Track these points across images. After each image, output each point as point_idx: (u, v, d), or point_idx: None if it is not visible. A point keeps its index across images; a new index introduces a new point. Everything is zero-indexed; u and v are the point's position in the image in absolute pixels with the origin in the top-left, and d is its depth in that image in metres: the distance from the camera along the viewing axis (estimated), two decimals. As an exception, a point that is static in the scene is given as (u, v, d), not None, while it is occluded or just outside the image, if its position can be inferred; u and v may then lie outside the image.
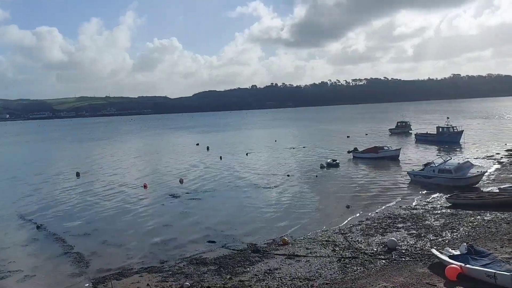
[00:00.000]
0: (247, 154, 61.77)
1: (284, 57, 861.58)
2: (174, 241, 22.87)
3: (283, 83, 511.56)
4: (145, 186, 39.63)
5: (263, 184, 38.45)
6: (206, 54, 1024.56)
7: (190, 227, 25.77)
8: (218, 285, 16.15)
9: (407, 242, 19.40)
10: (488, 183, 32.32)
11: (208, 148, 72.86)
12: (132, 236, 24.33)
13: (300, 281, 15.97)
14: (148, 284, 16.87)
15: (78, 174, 48.91)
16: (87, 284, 17.52)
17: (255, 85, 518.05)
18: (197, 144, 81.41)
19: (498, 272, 12.69)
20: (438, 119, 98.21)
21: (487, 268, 13.26)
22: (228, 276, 17.11)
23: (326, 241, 20.97)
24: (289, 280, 16.14)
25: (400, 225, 22.47)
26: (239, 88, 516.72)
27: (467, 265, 13.87)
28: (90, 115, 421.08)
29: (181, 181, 41.37)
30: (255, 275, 17.05)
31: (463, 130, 63.63)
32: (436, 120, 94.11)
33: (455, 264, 14.20)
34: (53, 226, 27.15)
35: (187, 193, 35.98)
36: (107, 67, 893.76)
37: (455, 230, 20.46)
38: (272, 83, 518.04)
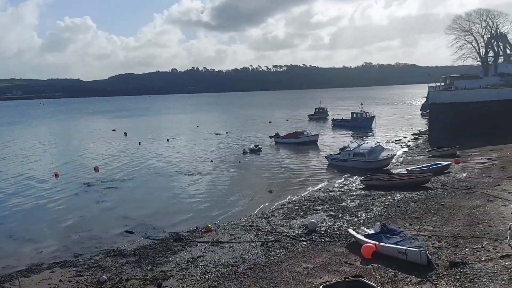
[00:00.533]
0: (168, 140, 60.26)
1: (205, 41, 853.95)
2: (89, 233, 21.55)
3: (205, 67, 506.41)
4: (56, 175, 36.96)
5: (185, 171, 37.72)
6: (122, 35, 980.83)
7: (107, 217, 24.51)
8: (138, 277, 15.47)
9: (326, 224, 20.10)
10: (397, 165, 34.68)
11: (125, 134, 69.95)
12: (42, 230, 22.57)
13: (224, 268, 15.83)
14: (60, 280, 15.69)
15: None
16: (-11, 285, 15.88)
17: (175, 69, 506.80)
18: (114, 130, 77.89)
19: (408, 248, 13.53)
20: (353, 105, 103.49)
21: (399, 245, 14.10)
22: (148, 267, 16.47)
23: (249, 226, 21.05)
24: (213, 268, 15.93)
25: (319, 207, 23.24)
26: (158, 71, 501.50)
27: (381, 243, 14.64)
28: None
29: (96, 169, 39.20)
30: (178, 264, 16.60)
31: (374, 116, 67.73)
32: (350, 107, 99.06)
33: (370, 242, 14.92)
34: None
35: (103, 181, 34.18)
36: (12, 46, 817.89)
37: (369, 210, 21.60)
38: (193, 67, 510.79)
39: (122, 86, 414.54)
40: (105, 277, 15.52)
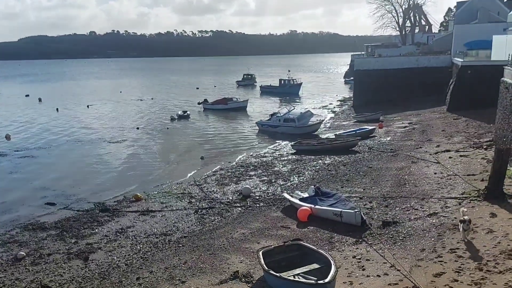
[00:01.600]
0: (88, 107, 56.51)
1: (125, 2, 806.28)
2: (2, 206, 19.56)
3: (126, 31, 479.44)
4: (7, 138, 33.18)
5: (109, 138, 35.59)
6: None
7: (23, 188, 22.43)
8: (61, 251, 14.26)
9: (260, 189, 19.98)
10: (325, 130, 35.51)
11: (40, 100, 64.59)
12: None
13: (156, 237, 15.10)
14: (-31, 260, 14.01)
15: None
16: None
17: (94, 32, 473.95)
18: (27, 96, 71.70)
19: (343, 210, 13.76)
20: (279, 72, 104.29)
21: (334, 208, 14.30)
22: (73, 240, 15.26)
23: (181, 193, 20.34)
24: (144, 238, 15.13)
25: (252, 173, 23.06)
26: (75, 34, 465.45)
27: (316, 206, 14.77)
28: None
29: (7, 137, 35.77)
30: (105, 235, 15.57)
31: (301, 83, 68.76)
32: (277, 74, 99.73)
33: (306, 206, 15.00)
34: None
35: (17, 150, 31.27)
36: None
37: (301, 174, 21.82)
38: (113, 30, 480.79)
39: (35, 49, 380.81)
40: (23, 253, 14.12)
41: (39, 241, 15.34)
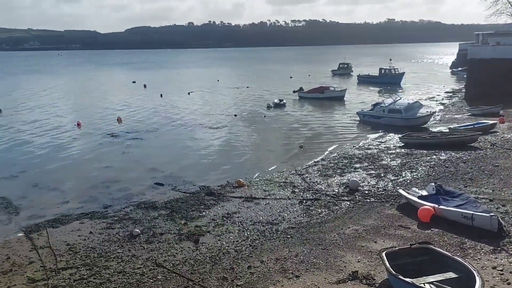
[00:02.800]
0: (189, 93, 58.78)
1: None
2: (117, 184, 20.66)
3: (221, 22, 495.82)
4: (78, 125, 36.15)
5: (209, 124, 36.44)
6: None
7: (134, 168, 23.53)
8: (172, 232, 14.50)
9: (369, 183, 18.75)
10: (435, 123, 32.76)
11: (145, 86, 68.65)
12: (67, 179, 21.71)
13: (263, 225, 14.73)
14: (91, 232, 14.83)
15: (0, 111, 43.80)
16: (19, 234, 15.14)
17: (192, 23, 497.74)
18: (134, 82, 76.63)
19: (476, 213, 12.14)
20: (377, 61, 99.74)
21: (463, 209, 12.71)
22: (182, 221, 15.48)
23: (283, 182, 19.84)
24: (251, 225, 14.84)
25: (357, 165, 21.83)
26: (175, 24, 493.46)
27: (441, 206, 13.27)
28: (10, 48, 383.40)
29: (119, 120, 38.24)
30: (213, 219, 15.57)
31: (404, 72, 64.78)
32: (375, 63, 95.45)
33: (428, 205, 13.56)
34: (-29, 168, 23.66)
35: (127, 132, 33.23)
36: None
37: (414, 170, 20.11)
38: (209, 21, 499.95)
39: (139, 39, 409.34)
40: (138, 230, 14.59)
41: (151, 220, 15.80)
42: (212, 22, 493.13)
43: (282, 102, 45.97)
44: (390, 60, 73.09)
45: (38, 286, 10.99)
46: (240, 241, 13.46)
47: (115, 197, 18.81)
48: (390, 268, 9.30)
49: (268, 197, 17.91)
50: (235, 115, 40.26)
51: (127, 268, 11.93)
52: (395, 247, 10.61)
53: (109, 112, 43.93)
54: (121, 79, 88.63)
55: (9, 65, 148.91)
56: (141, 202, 18.01)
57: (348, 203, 16.49)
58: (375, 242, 12.23)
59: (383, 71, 67.22)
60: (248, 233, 14.12)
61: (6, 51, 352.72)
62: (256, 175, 21.52)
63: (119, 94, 59.83)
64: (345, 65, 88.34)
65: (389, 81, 63.34)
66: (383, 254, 9.95)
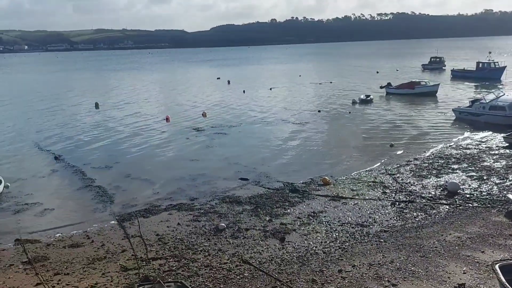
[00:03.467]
0: (271, 89, 58.75)
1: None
2: (202, 177, 20.94)
3: (304, 17, 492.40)
4: (167, 119, 37.59)
5: (292, 119, 35.93)
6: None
7: (219, 162, 23.77)
8: (257, 228, 14.24)
9: (470, 186, 17.03)
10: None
11: (229, 82, 69.88)
12: (157, 171, 22.48)
13: (352, 227, 13.92)
14: (178, 223, 15.10)
15: (97, 105, 47.03)
16: (112, 221, 15.87)
17: (275, 19, 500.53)
18: (218, 78, 78.39)
19: None
20: (473, 55, 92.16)
21: None
22: (267, 218, 15.17)
23: (373, 182, 18.77)
24: (339, 226, 14.10)
25: (455, 166, 20.02)
26: (258, 22, 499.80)
27: None
28: (108, 47, 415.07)
29: (204, 115, 39.15)
30: (298, 217, 15.06)
31: (505, 66, 58.97)
32: (471, 57, 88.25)
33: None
34: (72, 157, 25.46)
35: (212, 127, 33.84)
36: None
37: (523, 174, 17.92)
38: (292, 17, 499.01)
39: (223, 37, 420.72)
40: (223, 224, 14.55)
41: (236, 215, 15.71)
42: (294, 18, 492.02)
43: (368, 98, 44.06)
44: (490, 53, 66.85)
45: (130, 275, 11.27)
46: (328, 242, 12.80)
47: (201, 190, 19.06)
48: (507, 284, 8.07)
49: (357, 197, 17.00)
50: (319, 111, 39.32)
51: (214, 262, 11.85)
52: (510, 259, 9.25)
53: (195, 107, 45.26)
54: (206, 75, 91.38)
55: (107, 63, 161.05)
56: (226, 196, 18.04)
57: (447, 207, 15.04)
58: (483, 252, 10.90)
59: (481, 65, 61.74)
60: (337, 234, 13.41)
61: (104, 50, 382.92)
62: (342, 174, 20.61)
63: (204, 90, 61.58)
64: (437, 59, 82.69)
65: (487, 76, 58.00)
66: (497, 266, 8.69)
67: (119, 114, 41.59)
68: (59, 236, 14.60)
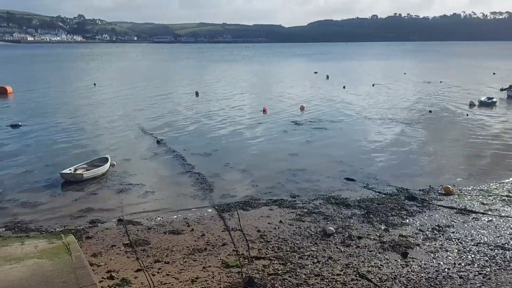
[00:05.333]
0: (373, 85, 55.47)
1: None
2: (304, 173, 19.51)
3: (408, 14, 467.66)
4: (264, 111, 36.80)
5: (400, 118, 32.99)
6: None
7: (320, 159, 22.13)
8: (372, 237, 12.45)
9: None
10: None
11: (327, 77, 67.61)
12: (255, 162, 21.53)
13: (491, 249, 11.52)
14: (281, 221, 13.84)
15: (197, 94, 48.00)
16: (210, 210, 15.12)
17: (376, 15, 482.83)
18: (315, 72, 76.47)
19: None
20: None
21: None
22: (382, 227, 13.28)
23: (507, 196, 15.89)
24: (474, 245, 11.77)
25: None
26: (357, 18, 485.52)
27: None
28: (208, 41, 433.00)
29: (302, 109, 37.73)
30: (420, 230, 12.96)
31: None
32: None
33: None
34: (173, 142, 25.55)
35: (311, 121, 32.25)
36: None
37: None
38: (395, 13, 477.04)
39: (320, 33, 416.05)
40: (332, 228, 12.97)
41: (344, 219, 14.04)
42: (397, 15, 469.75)
43: (491, 101, 39.23)
44: None
45: (232, 273, 10.21)
46: (463, 265, 10.62)
47: (303, 187, 17.64)
48: None
49: (490, 212, 14.34)
50: (430, 111, 35.74)
51: (325, 271, 10.34)
52: None
53: (292, 100, 43.97)
54: (303, 69, 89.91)
55: (207, 55, 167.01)
56: (331, 196, 16.42)
57: None
58: None
59: None
60: (473, 256, 11.15)
61: (204, 43, 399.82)
62: (466, 183, 17.86)
63: (301, 84, 60.12)
64: None
65: None
66: None
67: (218, 104, 41.76)
68: (160, 220, 14.15)
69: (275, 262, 10.83)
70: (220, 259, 11.03)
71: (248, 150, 24.36)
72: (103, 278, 9.78)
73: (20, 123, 30.34)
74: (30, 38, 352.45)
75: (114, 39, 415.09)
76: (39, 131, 28.66)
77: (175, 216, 14.49)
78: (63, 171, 18.46)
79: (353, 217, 14.21)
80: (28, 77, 70.09)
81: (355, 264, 10.71)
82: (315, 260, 10.96)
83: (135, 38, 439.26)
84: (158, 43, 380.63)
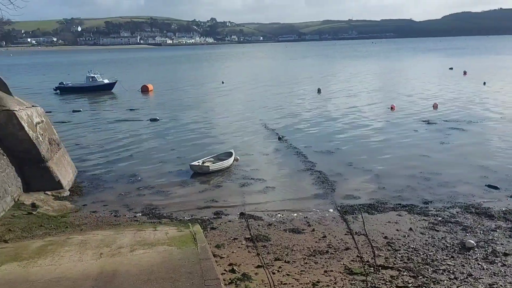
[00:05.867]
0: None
1: None
2: (438, 177, 17.70)
3: None
4: (392, 108, 34.70)
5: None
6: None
7: (457, 162, 19.92)
8: (524, 257, 10.59)
9: None
10: None
11: (465, 73, 61.38)
12: (383, 163, 20.18)
13: None
14: (411, 228, 12.64)
15: (319, 90, 47.44)
16: (332, 210, 14.51)
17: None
18: (451, 68, 70.12)
19: None
20: None
21: None
22: (539, 246, 11.26)
23: None
24: None
25: None
26: (500, 8, 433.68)
27: None
28: (332, 38, 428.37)
29: (434, 106, 34.71)
30: None
31: None
32: None
33: None
34: (294, 139, 25.38)
35: (445, 120, 29.45)
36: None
37: None
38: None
39: (456, 26, 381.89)
40: (472, 241, 11.40)
41: (487, 231, 12.28)
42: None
43: None
44: None
45: (356, 281, 9.50)
46: None
47: (437, 193, 15.97)
48: None
49: None
50: None
51: (464, 291, 9.04)
52: None
53: (423, 97, 40.74)
54: (436, 65, 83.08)
55: (331, 52, 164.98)
56: (470, 205, 14.57)
57: None
58: None
59: None
60: None
61: (327, 40, 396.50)
62: None
63: (434, 80, 55.48)
64: None
65: None
66: None
67: (341, 100, 40.69)
68: (280, 217, 14.00)
69: (405, 273, 9.82)
70: (343, 264, 10.39)
71: (374, 149, 23.05)
72: (225, 270, 9.89)
73: (157, 118, 33.21)
74: (169, 41, 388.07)
75: (241, 39, 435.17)
76: (173, 125, 30.99)
77: (295, 214, 14.21)
78: (192, 163, 19.53)
79: (497, 230, 12.35)
80: (166, 76, 76.98)
81: (501, 285, 9.19)
82: (452, 276, 9.68)
83: (261, 38, 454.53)
84: (282, 42, 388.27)
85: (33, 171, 15.96)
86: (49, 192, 16.13)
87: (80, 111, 38.64)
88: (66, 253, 9.83)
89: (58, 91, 52.64)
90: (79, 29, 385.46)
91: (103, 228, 12.80)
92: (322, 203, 15.31)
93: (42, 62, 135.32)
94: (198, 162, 19.81)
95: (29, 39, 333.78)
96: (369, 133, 26.99)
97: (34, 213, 14.10)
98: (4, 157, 15.15)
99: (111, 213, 14.67)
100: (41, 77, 77.07)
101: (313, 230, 12.69)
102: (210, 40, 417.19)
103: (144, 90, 52.38)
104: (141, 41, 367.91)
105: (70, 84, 54.66)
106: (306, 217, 13.89)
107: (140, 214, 14.50)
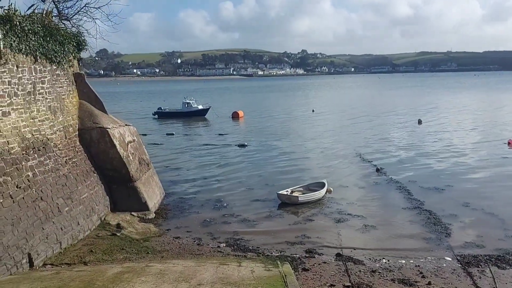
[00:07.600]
0: None
1: None
2: None
3: None
4: (510, 143, 30.36)
5: None
6: None
7: None
8: None
9: None
10: None
11: None
12: (509, 204, 16.92)
13: None
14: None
15: (419, 121, 43.88)
16: (449, 259, 11.96)
17: None
18: None
19: None
20: None
21: None
22: None
23: None
24: None
25: None
26: None
27: None
28: (429, 70, 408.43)
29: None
30: None
31: None
32: None
33: None
34: (394, 172, 22.79)
35: None
36: (452, 19, 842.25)
37: None
38: None
39: None
40: None
41: None
42: None
43: None
44: None
45: None
46: None
47: None
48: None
49: None
50: None
51: None
52: None
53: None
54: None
55: (429, 83, 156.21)
56: None
57: None
58: None
59: None
60: None
61: (424, 72, 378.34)
62: None
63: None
64: None
65: None
66: None
67: (446, 134, 36.79)
68: (385, 263, 11.77)
69: None
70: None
71: (493, 187, 19.69)
72: (321, 326, 8.04)
73: (246, 143, 32.46)
74: (260, 72, 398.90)
75: (332, 71, 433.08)
76: (261, 152, 29.94)
77: (404, 261, 11.89)
78: (280, 192, 18.03)
79: None
80: (256, 104, 77.54)
81: None
82: None
83: (352, 69, 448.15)
84: (375, 73, 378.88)
85: (121, 190, 15.57)
86: (135, 213, 15.59)
87: (173, 134, 39.48)
88: (142, 284, 8.72)
89: (156, 115, 55.12)
90: (179, 61, 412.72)
91: (184, 257, 11.70)
92: (436, 250, 12.79)
93: (145, 90, 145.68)
94: (287, 191, 18.26)
95: (135, 70, 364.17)
96: (484, 168, 23.51)
97: (118, 234, 13.50)
98: (95, 174, 14.94)
99: (194, 241, 13.57)
100: (143, 103, 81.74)
101: (429, 283, 10.30)
102: (300, 71, 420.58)
103: (235, 116, 52.76)
104: (234, 72, 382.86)
105: (167, 109, 57.11)
106: (418, 265, 11.51)
107: (224, 245, 13.19)
